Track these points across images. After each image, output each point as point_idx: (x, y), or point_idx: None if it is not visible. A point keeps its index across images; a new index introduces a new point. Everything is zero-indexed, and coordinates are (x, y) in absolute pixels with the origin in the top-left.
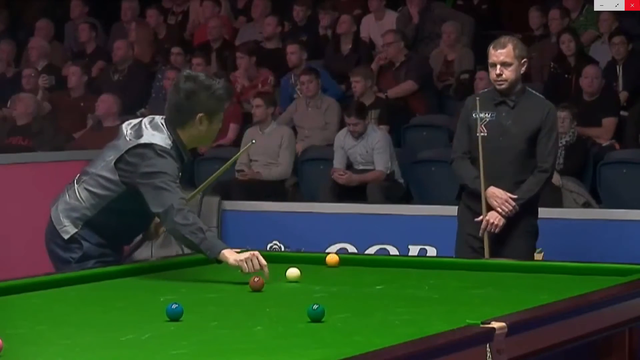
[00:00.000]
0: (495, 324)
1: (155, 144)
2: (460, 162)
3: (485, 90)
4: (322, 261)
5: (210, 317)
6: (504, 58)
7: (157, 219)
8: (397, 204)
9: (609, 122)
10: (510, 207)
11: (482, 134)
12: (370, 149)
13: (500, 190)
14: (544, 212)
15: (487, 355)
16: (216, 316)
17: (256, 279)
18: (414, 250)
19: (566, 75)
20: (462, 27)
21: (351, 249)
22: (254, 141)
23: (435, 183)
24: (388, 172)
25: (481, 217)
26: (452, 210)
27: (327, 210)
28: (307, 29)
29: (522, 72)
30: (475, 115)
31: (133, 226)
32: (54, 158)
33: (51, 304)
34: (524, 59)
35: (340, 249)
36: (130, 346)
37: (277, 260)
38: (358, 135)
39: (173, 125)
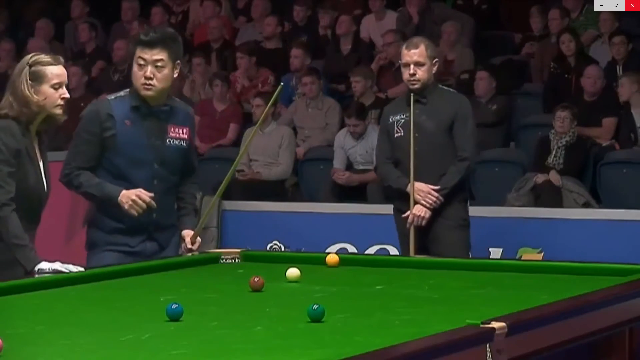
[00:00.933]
0: (495, 324)
1: None
2: (383, 166)
3: (400, 96)
4: (322, 261)
5: (211, 317)
6: (417, 58)
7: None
8: None
9: (609, 122)
10: (434, 198)
11: (398, 134)
12: (370, 149)
13: (422, 184)
14: (544, 212)
15: (487, 355)
16: (216, 316)
17: (256, 279)
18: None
19: (566, 76)
20: (462, 27)
21: (351, 249)
22: (282, 83)
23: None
24: None
25: (408, 213)
26: None
27: (327, 210)
28: (307, 29)
29: (433, 72)
30: (392, 119)
31: None
32: (54, 158)
33: (51, 304)
34: (436, 59)
35: (340, 249)
36: (130, 346)
37: (277, 260)
38: (358, 136)
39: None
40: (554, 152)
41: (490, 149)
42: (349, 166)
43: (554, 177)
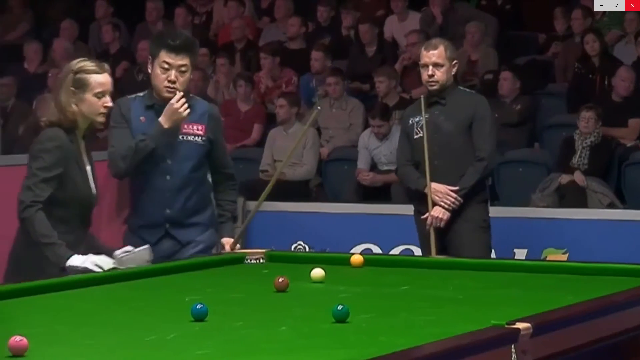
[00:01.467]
0: (520, 325)
1: None
2: (403, 169)
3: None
4: (346, 262)
5: (235, 317)
6: (436, 59)
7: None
8: None
9: (635, 123)
10: (452, 199)
11: (418, 135)
12: (394, 149)
13: (440, 185)
14: (568, 213)
15: (511, 356)
16: (241, 316)
17: (281, 279)
18: None
19: (590, 76)
20: (486, 27)
21: (376, 249)
22: (318, 107)
23: None
24: None
25: (426, 215)
26: None
27: (351, 210)
28: (331, 29)
29: (453, 73)
30: (411, 121)
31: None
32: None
33: (75, 304)
34: (455, 61)
35: (365, 249)
36: (155, 346)
37: (301, 261)
38: (382, 137)
39: None
40: (578, 153)
41: (515, 149)
42: (373, 166)
43: (578, 177)
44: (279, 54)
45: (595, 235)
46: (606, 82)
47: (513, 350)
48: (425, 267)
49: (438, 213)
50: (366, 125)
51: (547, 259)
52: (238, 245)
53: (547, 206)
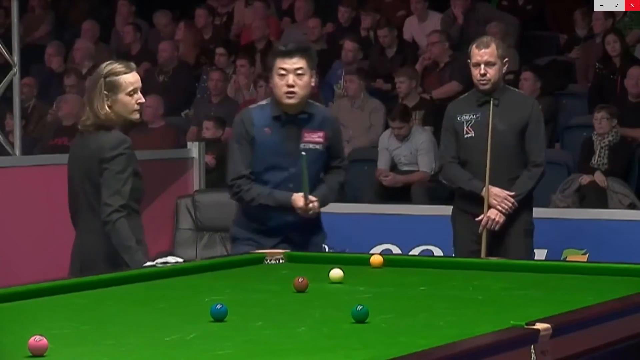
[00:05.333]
0: (539, 326)
1: None
2: (450, 166)
3: (465, 94)
4: (366, 262)
5: (255, 318)
6: (488, 58)
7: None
8: (442, 205)
9: None
10: (510, 204)
11: (469, 135)
12: (414, 150)
13: (498, 189)
14: (589, 214)
15: (531, 357)
16: (260, 317)
17: (300, 280)
18: None
19: (611, 76)
20: (507, 27)
21: (395, 250)
22: (303, 153)
23: None
24: (432, 173)
25: (481, 217)
26: None
27: (371, 211)
28: (351, 30)
29: (503, 71)
30: (460, 118)
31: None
32: None
33: (96, 304)
34: (506, 59)
35: (385, 249)
36: (175, 346)
37: (321, 261)
38: (402, 138)
39: None
40: (597, 153)
41: None
42: (393, 167)
43: (599, 178)
44: None
45: (616, 236)
46: (625, 83)
47: (532, 351)
48: (444, 267)
49: (494, 215)
50: (386, 126)
51: (567, 259)
52: (313, 198)
53: (568, 206)
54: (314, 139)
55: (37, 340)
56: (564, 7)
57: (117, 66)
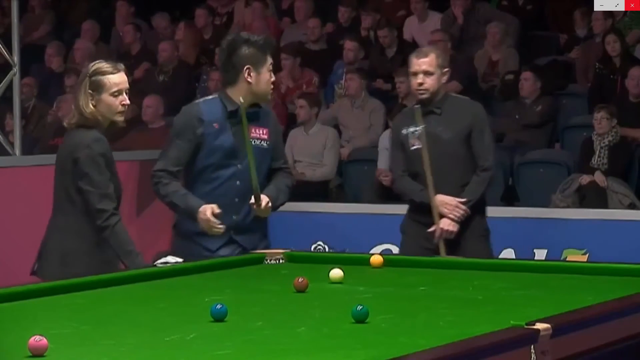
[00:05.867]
0: (539, 326)
1: None
2: (401, 180)
3: (408, 107)
4: (366, 262)
5: (255, 318)
6: (426, 67)
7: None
8: None
9: None
10: (462, 212)
11: (415, 146)
12: None
13: (449, 197)
14: (589, 213)
15: (531, 357)
16: (260, 317)
17: (300, 280)
18: None
19: (611, 76)
20: (507, 27)
21: (395, 250)
22: None
23: None
24: None
25: (434, 227)
26: (497, 211)
27: (371, 211)
28: (351, 30)
29: (443, 81)
30: (405, 131)
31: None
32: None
33: (96, 304)
34: (446, 69)
35: (385, 249)
36: (175, 346)
37: (321, 261)
38: None
39: (224, 86)
40: (597, 153)
41: (535, 149)
42: None
43: (599, 178)
44: (300, 54)
45: (616, 236)
46: (626, 83)
47: (532, 351)
48: (444, 267)
49: (447, 226)
50: (387, 126)
51: (567, 259)
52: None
53: (568, 206)
54: (260, 135)
55: (37, 340)
56: (564, 7)
57: (104, 65)
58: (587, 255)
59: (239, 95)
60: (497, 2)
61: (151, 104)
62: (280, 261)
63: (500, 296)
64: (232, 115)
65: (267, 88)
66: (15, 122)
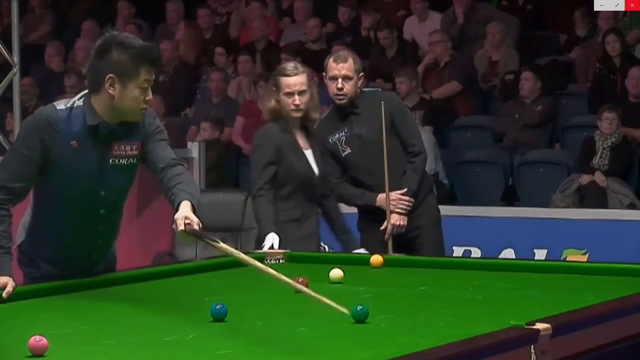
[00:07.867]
0: (539, 325)
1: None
2: (340, 187)
3: (327, 113)
4: (366, 262)
5: (255, 318)
6: (346, 72)
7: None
8: (442, 205)
9: None
10: (406, 203)
11: (346, 152)
12: None
13: (392, 193)
14: (589, 214)
15: (531, 357)
16: (260, 317)
17: (300, 280)
18: (458, 251)
19: (611, 76)
20: (507, 27)
21: None
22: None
23: (480, 184)
24: (432, 173)
25: (385, 225)
26: (497, 211)
27: None
28: (351, 30)
29: (359, 86)
30: (331, 139)
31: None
32: None
33: (96, 304)
34: (361, 74)
35: None
36: (175, 346)
37: (321, 261)
38: None
39: (89, 92)
40: (599, 153)
41: (535, 149)
42: None
43: (599, 178)
44: (300, 54)
45: (616, 236)
46: (626, 83)
47: (532, 351)
48: (444, 267)
49: (397, 221)
50: None
51: (567, 259)
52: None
53: (568, 206)
54: (126, 152)
55: (37, 340)
56: (564, 7)
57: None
58: (587, 255)
59: (101, 108)
60: (497, 2)
61: (151, 104)
62: (280, 261)
63: (500, 296)
64: (93, 131)
65: (135, 107)
66: (15, 122)
